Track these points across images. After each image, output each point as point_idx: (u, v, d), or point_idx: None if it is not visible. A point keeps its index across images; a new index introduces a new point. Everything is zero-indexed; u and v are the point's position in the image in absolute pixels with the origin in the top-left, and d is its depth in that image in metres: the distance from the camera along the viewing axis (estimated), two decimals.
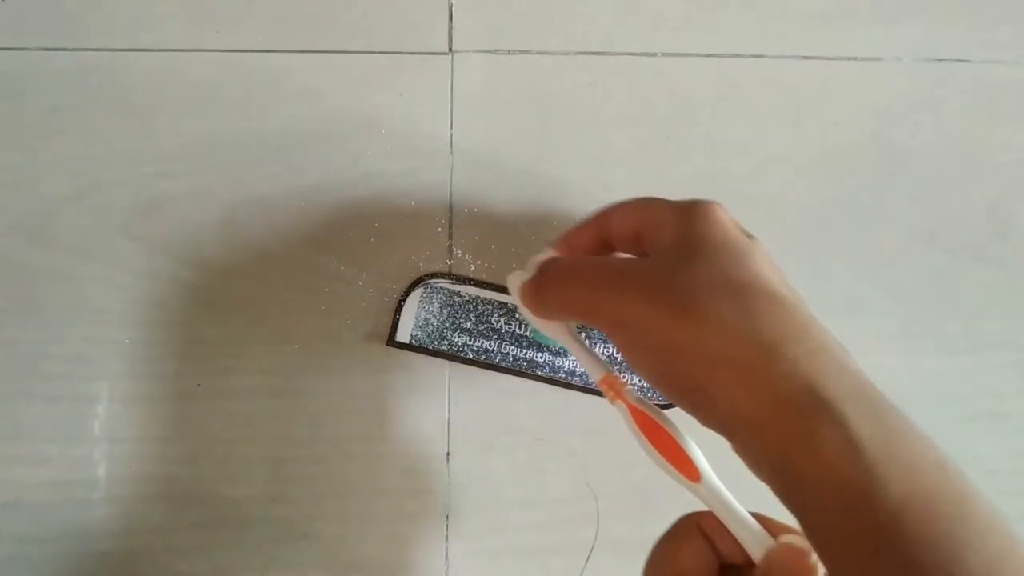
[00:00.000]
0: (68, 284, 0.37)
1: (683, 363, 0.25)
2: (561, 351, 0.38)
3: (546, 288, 0.30)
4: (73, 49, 0.37)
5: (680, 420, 0.29)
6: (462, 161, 0.38)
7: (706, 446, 0.29)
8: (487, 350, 0.37)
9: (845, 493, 0.22)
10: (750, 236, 0.28)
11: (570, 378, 0.38)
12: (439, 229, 0.38)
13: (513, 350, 0.38)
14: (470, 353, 0.37)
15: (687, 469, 0.28)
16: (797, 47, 0.40)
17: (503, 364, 0.37)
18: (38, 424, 0.37)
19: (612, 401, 0.30)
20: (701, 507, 0.28)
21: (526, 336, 0.37)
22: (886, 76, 0.40)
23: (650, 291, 0.26)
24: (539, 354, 0.38)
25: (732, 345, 0.24)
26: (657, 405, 0.30)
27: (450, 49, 0.38)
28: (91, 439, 0.37)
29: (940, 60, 0.40)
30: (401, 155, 0.38)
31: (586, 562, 0.38)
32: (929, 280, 0.40)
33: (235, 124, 0.38)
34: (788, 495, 0.24)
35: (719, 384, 0.25)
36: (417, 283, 0.37)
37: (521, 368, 0.37)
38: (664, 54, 0.39)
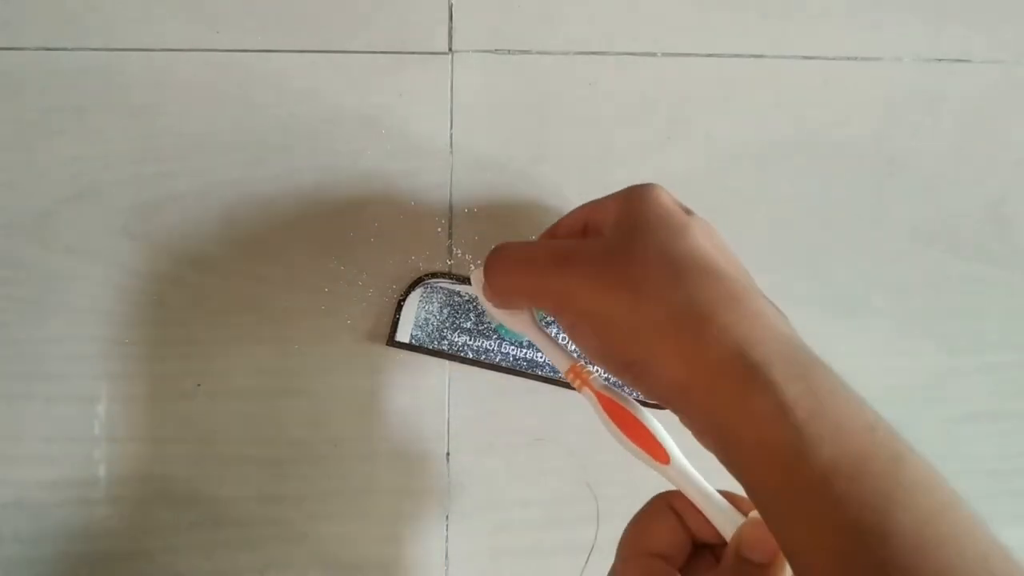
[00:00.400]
0: (68, 284, 0.37)
1: (621, 337, 0.26)
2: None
3: (493, 271, 0.30)
4: (73, 49, 0.37)
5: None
6: (462, 161, 0.38)
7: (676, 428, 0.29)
8: (487, 350, 0.37)
9: (777, 456, 0.23)
10: (688, 212, 0.29)
11: None
12: (439, 229, 0.38)
13: (513, 350, 0.38)
14: (470, 353, 0.37)
15: (656, 452, 0.28)
16: (797, 47, 0.40)
17: (503, 364, 0.37)
18: (38, 424, 0.37)
19: (579, 390, 0.30)
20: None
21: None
22: (886, 76, 0.40)
23: (588, 268, 0.27)
24: (539, 354, 0.38)
25: (666, 316, 0.25)
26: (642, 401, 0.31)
27: (450, 49, 0.38)
28: (91, 439, 0.37)
29: (940, 60, 0.40)
30: (401, 155, 0.38)
31: (586, 562, 0.38)
32: (929, 280, 0.40)
33: (235, 124, 0.38)
34: (727, 460, 0.24)
35: (656, 355, 0.25)
36: (417, 283, 0.37)
37: (521, 368, 0.37)
38: (664, 54, 0.39)
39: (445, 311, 0.37)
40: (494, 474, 0.38)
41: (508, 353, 0.38)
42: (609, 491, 0.39)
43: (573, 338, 0.28)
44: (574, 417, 0.38)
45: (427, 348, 0.37)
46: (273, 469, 0.38)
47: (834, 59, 0.40)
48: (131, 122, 0.37)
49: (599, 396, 0.30)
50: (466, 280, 0.38)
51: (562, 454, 0.39)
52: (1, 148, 0.37)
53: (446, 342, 0.37)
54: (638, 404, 0.29)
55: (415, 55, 0.38)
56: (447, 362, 0.38)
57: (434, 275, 0.38)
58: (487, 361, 0.37)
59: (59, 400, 0.37)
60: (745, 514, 0.27)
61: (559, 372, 0.37)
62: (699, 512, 0.28)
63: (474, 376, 0.38)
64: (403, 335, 0.37)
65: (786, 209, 0.39)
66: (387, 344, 0.37)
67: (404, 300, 0.37)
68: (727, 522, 0.27)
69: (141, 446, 0.37)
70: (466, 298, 0.38)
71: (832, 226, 0.40)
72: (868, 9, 0.40)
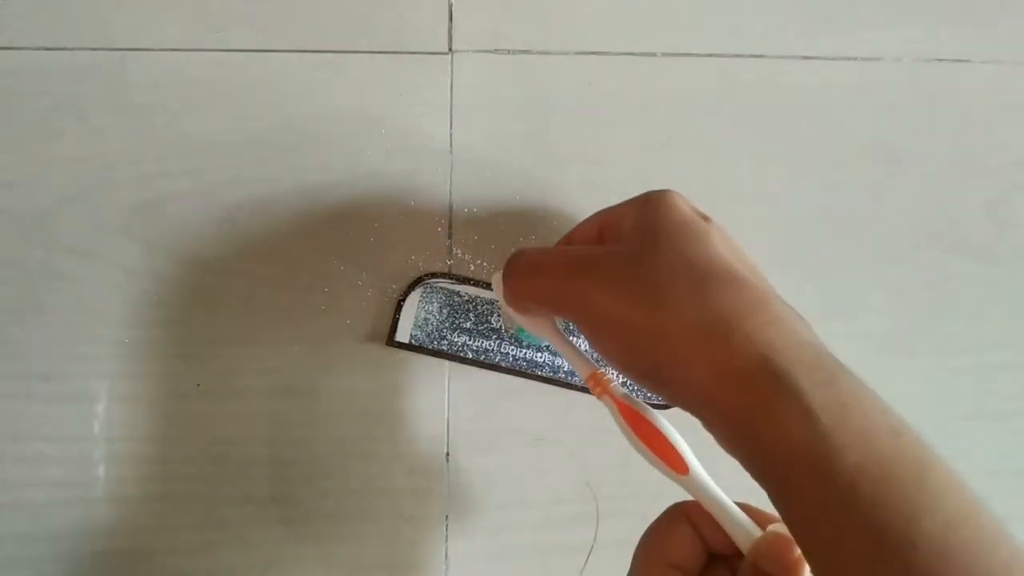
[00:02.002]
0: (68, 284, 0.37)
1: (644, 343, 0.26)
2: (548, 349, 0.38)
3: (514, 278, 0.30)
4: (73, 49, 0.37)
5: (672, 416, 0.29)
6: (462, 161, 0.38)
7: (693, 439, 0.29)
8: (487, 350, 0.37)
9: (803, 461, 0.23)
10: (706, 218, 0.29)
11: (570, 378, 0.38)
12: (439, 229, 0.38)
13: (513, 350, 0.38)
14: (470, 353, 0.37)
15: (674, 462, 0.28)
16: (797, 47, 0.40)
17: (503, 364, 0.37)
18: (38, 424, 0.37)
19: (599, 396, 0.30)
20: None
21: (515, 337, 0.37)
22: (886, 76, 0.40)
23: (610, 275, 0.27)
24: (539, 354, 0.38)
25: (689, 323, 0.25)
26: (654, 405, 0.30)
27: (450, 49, 0.38)
28: (91, 439, 0.37)
29: (940, 60, 0.40)
30: (401, 155, 0.38)
31: (586, 562, 0.38)
32: (929, 280, 0.40)
33: (235, 124, 0.38)
34: (752, 465, 0.24)
35: (680, 362, 0.25)
36: (417, 283, 0.37)
37: (521, 368, 0.37)
38: (664, 54, 0.39)
39: (445, 311, 0.37)
40: (494, 474, 0.38)
41: (508, 353, 0.38)
42: (609, 491, 0.39)
43: (594, 345, 0.28)
44: (574, 417, 0.38)
45: (427, 348, 0.37)
46: (273, 469, 0.38)
47: (834, 59, 0.40)
48: (131, 122, 0.37)
49: (619, 404, 0.29)
50: (466, 280, 0.38)
51: (562, 454, 0.39)
52: (1, 148, 0.37)
53: (446, 342, 0.37)
54: (657, 413, 0.29)
55: (415, 55, 0.38)
56: (447, 362, 0.38)
57: (434, 275, 0.38)
58: (487, 361, 0.37)
59: (59, 400, 0.37)
60: (763, 527, 0.27)
61: (559, 373, 0.37)
62: (716, 523, 0.27)
63: (474, 376, 0.38)
64: (403, 335, 0.37)
65: (785, 209, 0.39)
66: (387, 344, 0.37)
67: (404, 300, 0.37)
68: (744, 534, 0.27)
69: (141, 446, 0.37)
70: (466, 298, 0.38)
71: (832, 226, 0.40)
72: (868, 9, 0.40)
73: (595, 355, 0.36)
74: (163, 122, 0.37)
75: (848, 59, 0.40)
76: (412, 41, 0.38)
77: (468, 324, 0.37)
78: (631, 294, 0.26)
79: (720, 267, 0.26)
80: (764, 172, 0.39)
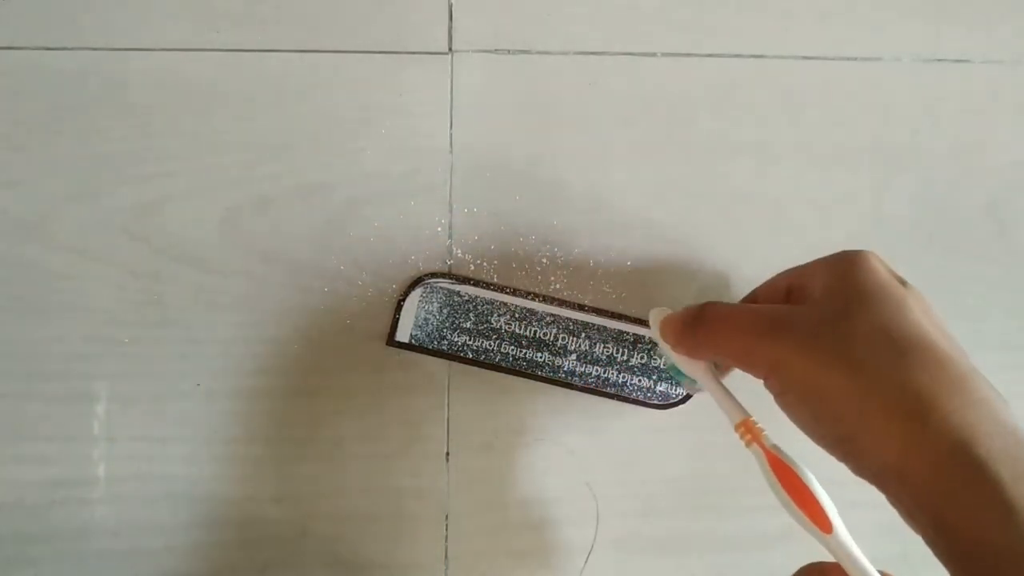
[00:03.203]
0: (68, 284, 0.37)
1: (835, 411, 0.25)
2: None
3: (702, 328, 0.30)
4: (73, 49, 0.37)
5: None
6: (462, 161, 0.38)
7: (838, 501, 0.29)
8: (487, 350, 0.37)
9: (998, 558, 0.22)
10: (904, 283, 0.28)
11: (570, 378, 0.38)
12: (439, 229, 0.38)
13: (513, 350, 0.38)
14: (470, 353, 0.37)
15: (820, 520, 0.28)
16: (797, 47, 0.40)
17: (503, 364, 0.37)
18: (38, 424, 0.37)
19: (748, 445, 0.30)
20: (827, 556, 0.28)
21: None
22: (886, 76, 0.40)
23: (805, 338, 0.26)
24: (539, 354, 0.38)
25: (886, 396, 0.25)
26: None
27: (450, 49, 0.38)
28: (91, 439, 0.37)
29: (940, 60, 0.40)
30: (401, 155, 0.38)
31: (586, 562, 0.38)
32: (929, 280, 0.40)
33: (235, 124, 0.38)
34: (938, 548, 0.24)
35: (872, 434, 0.25)
36: (417, 283, 0.37)
37: (521, 368, 0.37)
38: (664, 54, 0.39)
39: (445, 311, 0.37)
40: (494, 474, 0.38)
41: (508, 353, 0.38)
42: (609, 491, 0.39)
43: (781, 404, 0.28)
44: (574, 417, 0.38)
45: (427, 348, 0.37)
46: (273, 469, 0.38)
47: (834, 59, 0.40)
48: (131, 122, 0.37)
49: (768, 455, 0.29)
50: (466, 280, 0.38)
51: (562, 454, 0.39)
52: (1, 148, 0.37)
53: (446, 342, 0.37)
54: (806, 469, 0.29)
55: (415, 55, 0.38)
56: (447, 362, 0.38)
57: (434, 275, 0.38)
58: (487, 361, 0.37)
59: (59, 400, 0.37)
60: None
61: (559, 373, 0.37)
62: None
63: (474, 376, 0.38)
64: (403, 335, 0.37)
65: (785, 209, 0.39)
66: (387, 344, 0.37)
67: (404, 300, 0.37)
68: None
69: (141, 446, 0.37)
70: (466, 298, 0.38)
71: (832, 226, 0.40)
72: (868, 9, 0.40)
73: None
74: (163, 122, 0.37)
75: (848, 59, 0.40)
76: (412, 41, 0.38)
77: (468, 324, 0.37)
78: (825, 359, 0.26)
79: (920, 339, 0.26)
80: (764, 172, 0.39)
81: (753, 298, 0.34)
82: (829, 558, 0.28)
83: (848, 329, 0.26)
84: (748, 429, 0.30)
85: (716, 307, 0.30)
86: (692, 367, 0.32)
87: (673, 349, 0.32)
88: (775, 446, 0.30)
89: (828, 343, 0.26)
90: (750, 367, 0.29)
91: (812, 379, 0.26)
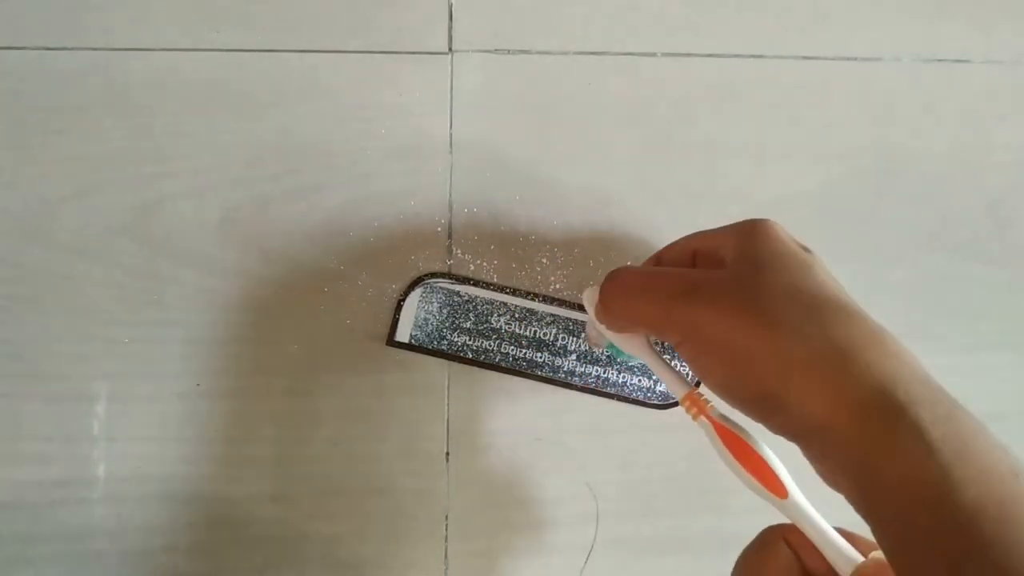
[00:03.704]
0: (68, 284, 0.37)
1: (755, 370, 0.25)
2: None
3: (612, 297, 0.30)
4: (73, 49, 0.37)
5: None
6: (462, 161, 0.38)
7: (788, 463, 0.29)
8: (487, 350, 0.37)
9: (922, 494, 0.22)
10: (807, 250, 0.29)
11: (570, 378, 0.38)
12: (439, 229, 0.38)
13: (513, 350, 0.38)
14: (470, 353, 0.37)
15: (774, 485, 0.28)
16: (797, 47, 0.40)
17: (503, 364, 0.37)
18: (38, 424, 0.37)
19: (695, 418, 0.30)
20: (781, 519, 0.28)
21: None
22: (886, 76, 0.40)
23: (721, 299, 0.27)
24: (539, 354, 0.38)
25: (805, 351, 0.25)
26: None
27: (450, 49, 0.38)
28: (91, 439, 0.37)
29: (940, 60, 0.40)
30: (401, 155, 0.38)
31: (585, 562, 0.38)
32: (929, 280, 0.40)
33: (235, 124, 0.38)
34: (864, 499, 0.24)
35: (793, 390, 0.25)
36: (417, 283, 0.37)
37: (521, 368, 0.37)
38: (664, 54, 0.39)
39: (445, 311, 0.37)
40: (494, 474, 0.38)
41: (508, 353, 0.38)
42: (609, 491, 0.39)
43: (696, 369, 0.28)
44: (574, 417, 0.38)
45: (427, 348, 0.37)
46: (273, 469, 0.38)
47: (834, 59, 0.40)
48: (131, 122, 0.37)
49: (716, 426, 0.29)
50: (466, 280, 0.38)
51: (562, 454, 0.39)
52: (1, 148, 0.37)
53: (446, 342, 0.37)
54: (755, 436, 0.29)
55: (415, 55, 0.38)
56: (447, 362, 0.38)
57: (434, 275, 0.38)
58: (487, 361, 0.37)
59: (59, 400, 0.37)
60: (864, 554, 0.27)
61: (559, 373, 0.37)
62: (814, 548, 0.27)
63: (474, 376, 0.38)
64: (403, 335, 0.37)
65: (786, 209, 0.39)
66: (387, 344, 0.37)
67: (404, 300, 0.37)
68: (844, 560, 0.27)
69: (141, 446, 0.37)
70: (466, 298, 0.38)
71: (831, 226, 0.40)
72: (868, 9, 0.40)
73: (691, 376, 0.36)
74: (163, 122, 0.37)
75: (848, 59, 0.40)
76: (412, 41, 0.38)
77: (468, 324, 0.37)
78: (743, 319, 0.26)
79: (833, 297, 0.26)
80: (764, 172, 0.39)
81: (659, 260, 0.33)
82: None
83: (763, 290, 0.26)
84: (694, 402, 0.30)
85: (624, 273, 0.30)
86: (629, 343, 0.31)
87: (600, 323, 0.31)
88: (722, 415, 0.30)
89: (744, 304, 0.26)
90: (663, 332, 0.28)
91: (730, 340, 0.26)
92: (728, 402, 0.27)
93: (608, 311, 0.30)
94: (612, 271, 0.30)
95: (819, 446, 0.25)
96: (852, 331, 0.25)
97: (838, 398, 0.24)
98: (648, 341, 0.32)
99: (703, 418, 0.30)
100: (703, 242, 0.31)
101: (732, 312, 0.26)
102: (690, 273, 0.29)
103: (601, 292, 0.30)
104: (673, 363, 0.37)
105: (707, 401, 0.30)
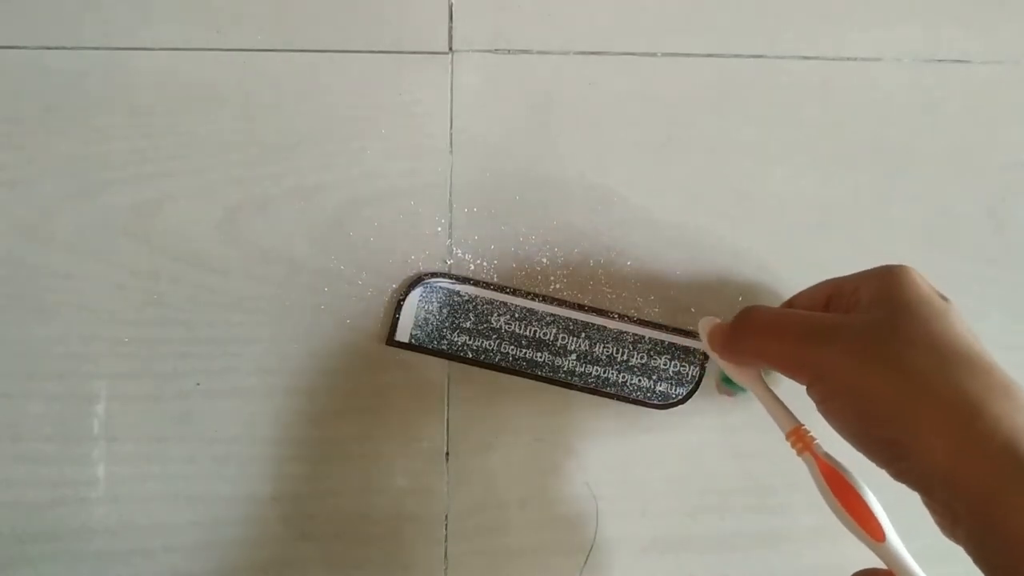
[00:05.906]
0: (68, 284, 0.37)
1: (884, 415, 0.26)
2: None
3: (744, 334, 0.31)
4: (73, 48, 0.37)
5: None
6: (462, 161, 0.38)
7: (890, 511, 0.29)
8: (487, 350, 0.37)
9: None
10: (945, 298, 0.29)
11: (570, 378, 0.38)
12: (439, 229, 0.38)
13: (513, 350, 0.38)
14: (470, 353, 0.37)
15: (872, 528, 0.28)
16: (797, 47, 0.40)
17: (503, 364, 0.37)
18: (38, 423, 0.37)
19: (799, 453, 0.30)
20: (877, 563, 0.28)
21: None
22: (886, 76, 0.40)
23: (853, 344, 0.27)
24: (539, 354, 0.38)
25: (936, 400, 0.25)
26: None
27: (450, 49, 0.38)
28: (91, 439, 0.37)
29: (940, 60, 0.40)
30: (401, 155, 0.38)
31: (585, 562, 0.38)
32: (929, 280, 0.40)
33: (235, 124, 0.38)
34: (984, 552, 0.24)
35: (921, 437, 0.25)
36: (417, 283, 0.37)
37: (521, 368, 0.37)
38: (664, 54, 0.39)
39: (445, 311, 0.37)
40: (494, 474, 0.38)
41: (508, 353, 0.38)
42: (609, 491, 0.39)
43: (824, 410, 0.28)
44: (574, 417, 0.38)
45: (427, 348, 0.37)
46: (273, 469, 0.38)
47: (834, 59, 0.40)
48: (131, 122, 0.37)
49: (820, 463, 0.29)
50: (466, 280, 0.38)
51: (562, 454, 0.39)
52: (1, 148, 0.37)
53: (446, 342, 0.37)
54: (859, 477, 0.29)
55: (415, 55, 0.38)
56: (447, 362, 0.38)
57: (434, 275, 0.38)
58: (487, 361, 0.37)
59: (59, 400, 0.37)
60: None
61: (559, 373, 0.37)
62: None
63: (474, 376, 0.38)
64: (403, 335, 0.37)
65: (785, 209, 0.39)
66: (387, 344, 0.37)
67: (404, 300, 0.37)
68: None
69: (141, 446, 0.37)
70: (466, 298, 0.38)
71: (832, 226, 0.40)
72: (868, 9, 0.40)
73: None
74: (163, 122, 0.37)
75: (848, 59, 0.40)
76: (412, 41, 0.38)
77: (468, 324, 0.37)
78: (875, 366, 0.26)
79: (965, 348, 0.26)
80: (764, 172, 0.39)
81: (791, 304, 0.34)
82: (881, 565, 0.28)
83: (895, 336, 0.27)
84: (799, 437, 0.30)
85: (759, 312, 0.31)
86: (741, 375, 0.33)
87: (720, 358, 0.33)
88: (827, 454, 0.30)
89: (876, 349, 0.26)
90: (795, 372, 0.29)
91: (859, 384, 0.26)
92: (853, 444, 0.27)
93: (736, 346, 0.31)
94: (745, 308, 0.31)
95: (941, 495, 0.25)
96: (982, 383, 0.25)
97: (964, 449, 0.24)
98: (759, 373, 0.33)
99: (807, 454, 0.30)
100: (838, 287, 0.32)
101: (865, 356, 0.26)
102: (825, 316, 0.29)
103: (732, 327, 0.31)
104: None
105: (813, 438, 0.30)
